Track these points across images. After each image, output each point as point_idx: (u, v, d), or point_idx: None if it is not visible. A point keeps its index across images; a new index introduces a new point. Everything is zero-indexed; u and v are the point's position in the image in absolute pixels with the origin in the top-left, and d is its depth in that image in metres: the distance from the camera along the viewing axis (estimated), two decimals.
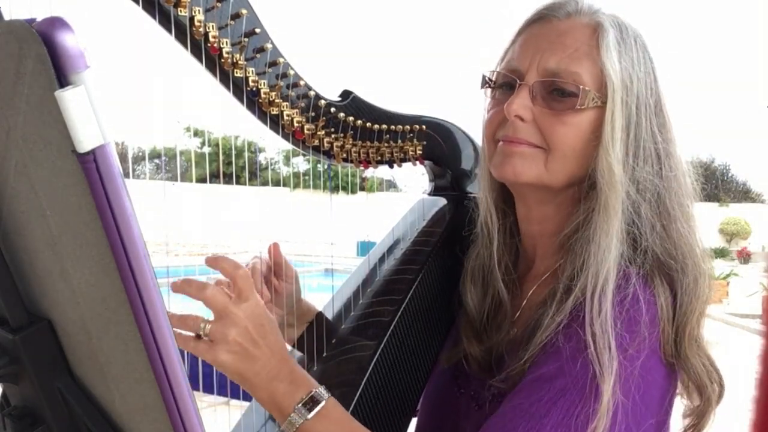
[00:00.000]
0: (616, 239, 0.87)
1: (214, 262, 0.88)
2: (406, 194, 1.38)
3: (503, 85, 0.98)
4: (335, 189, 1.27)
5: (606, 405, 0.80)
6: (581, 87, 0.91)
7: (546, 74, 0.92)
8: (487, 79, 1.01)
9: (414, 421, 1.15)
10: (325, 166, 1.18)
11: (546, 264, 1.00)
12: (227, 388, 0.91)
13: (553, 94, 0.92)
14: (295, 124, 1.04)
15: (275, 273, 1.11)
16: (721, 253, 22.93)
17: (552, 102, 0.92)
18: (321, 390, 0.87)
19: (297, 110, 1.04)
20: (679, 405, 0.94)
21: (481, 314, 1.05)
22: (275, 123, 1.02)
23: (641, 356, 0.83)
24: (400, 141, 1.17)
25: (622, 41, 0.93)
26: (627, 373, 0.82)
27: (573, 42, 0.93)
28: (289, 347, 1.14)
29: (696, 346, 0.89)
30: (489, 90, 1.01)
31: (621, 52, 0.92)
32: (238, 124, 1.04)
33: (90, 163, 0.42)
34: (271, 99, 1.00)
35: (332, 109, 1.08)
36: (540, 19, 0.97)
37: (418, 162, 1.22)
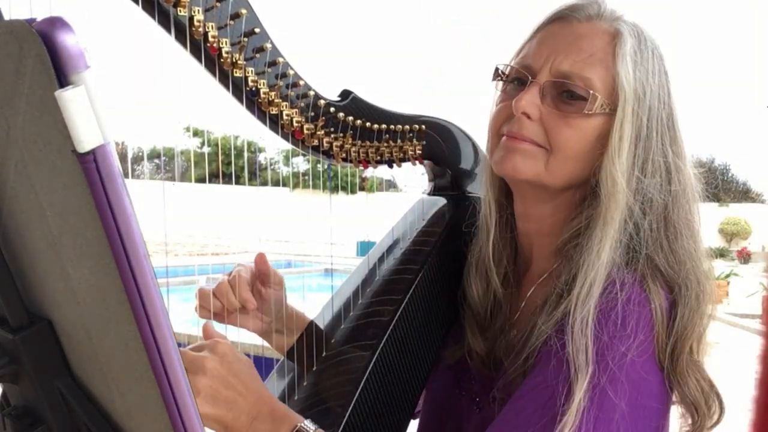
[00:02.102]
0: (609, 248, 0.87)
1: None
2: (405, 194, 1.38)
3: (515, 80, 0.97)
4: (335, 189, 1.27)
5: (575, 406, 0.79)
6: (591, 92, 0.90)
7: (558, 75, 0.92)
8: (500, 72, 1.00)
9: (414, 422, 1.15)
10: (325, 166, 1.18)
11: (543, 266, 0.99)
12: None
13: (563, 96, 0.92)
14: (295, 124, 1.04)
15: (261, 281, 1.12)
16: (721, 253, 22.94)
17: (560, 103, 0.92)
18: (306, 423, 0.86)
19: (296, 110, 1.04)
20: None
21: (485, 309, 1.05)
22: (275, 123, 1.02)
23: (631, 359, 0.82)
24: (399, 141, 1.17)
25: (639, 52, 0.92)
26: (613, 378, 0.81)
27: (589, 47, 0.92)
28: (280, 357, 1.15)
29: (694, 365, 0.88)
30: (500, 83, 1.00)
31: (637, 62, 0.91)
32: (238, 124, 1.04)
33: (90, 163, 0.42)
34: (270, 99, 1.00)
35: (332, 109, 1.08)
36: (560, 18, 0.96)
37: (417, 162, 1.22)
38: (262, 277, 1.12)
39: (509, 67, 0.99)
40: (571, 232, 0.93)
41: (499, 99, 1.00)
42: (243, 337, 1.18)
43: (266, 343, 1.18)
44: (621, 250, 0.88)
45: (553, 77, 0.92)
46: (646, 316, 0.84)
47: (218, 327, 1.12)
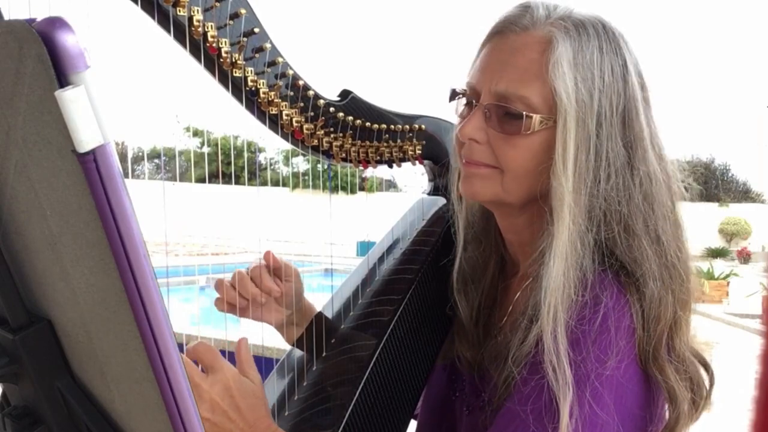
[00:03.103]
0: (566, 265, 0.85)
1: (192, 352, 0.90)
2: (405, 194, 1.38)
3: (466, 102, 0.97)
4: (335, 189, 1.27)
5: (565, 427, 0.79)
6: (524, 113, 0.89)
7: (496, 97, 0.91)
8: (457, 93, 0.99)
9: (414, 422, 1.15)
10: (325, 166, 1.18)
11: (530, 270, 0.99)
12: None
13: (504, 117, 0.91)
14: (294, 124, 1.04)
15: (276, 275, 1.12)
16: (721, 253, 22.93)
17: (503, 125, 0.91)
18: None
19: (296, 110, 1.04)
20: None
21: (471, 318, 1.05)
22: (274, 123, 1.02)
23: (613, 369, 0.82)
24: (399, 141, 1.17)
25: (580, 52, 0.88)
26: (596, 393, 0.81)
27: (523, 62, 0.90)
28: (289, 346, 1.15)
29: (676, 358, 0.87)
30: (458, 104, 1.00)
31: (577, 65, 0.87)
32: (238, 124, 1.04)
33: (90, 163, 0.42)
34: (270, 99, 1.00)
35: (331, 109, 1.08)
36: (498, 33, 0.94)
37: (417, 161, 1.22)
38: (276, 272, 1.12)
39: (461, 88, 0.98)
40: (542, 248, 0.91)
41: (457, 122, 1.00)
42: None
43: (266, 344, 1.18)
44: (587, 261, 0.86)
45: (493, 99, 0.91)
46: (624, 322, 0.84)
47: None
